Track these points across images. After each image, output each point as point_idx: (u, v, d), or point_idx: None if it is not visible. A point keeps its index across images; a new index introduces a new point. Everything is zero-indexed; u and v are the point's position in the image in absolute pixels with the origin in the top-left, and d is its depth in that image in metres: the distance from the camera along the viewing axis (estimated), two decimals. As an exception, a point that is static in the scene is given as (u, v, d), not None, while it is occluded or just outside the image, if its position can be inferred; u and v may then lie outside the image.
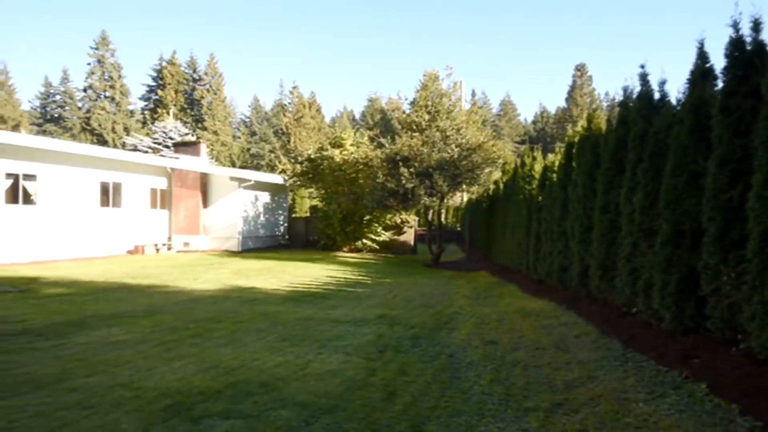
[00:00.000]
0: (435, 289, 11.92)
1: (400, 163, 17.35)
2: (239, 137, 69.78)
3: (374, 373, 4.93)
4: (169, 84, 61.07)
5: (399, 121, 19.29)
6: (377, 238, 23.40)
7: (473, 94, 78.55)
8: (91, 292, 10.17)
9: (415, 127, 18.42)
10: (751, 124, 4.47)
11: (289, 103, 64.55)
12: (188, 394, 4.24)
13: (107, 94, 59.58)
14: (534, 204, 11.29)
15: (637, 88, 6.71)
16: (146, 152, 36.28)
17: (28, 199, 16.15)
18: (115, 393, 4.23)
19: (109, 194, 19.16)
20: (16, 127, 50.60)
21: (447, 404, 4.09)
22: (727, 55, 4.82)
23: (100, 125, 57.72)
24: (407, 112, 19.64)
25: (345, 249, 23.43)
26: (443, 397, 4.25)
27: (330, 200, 23.22)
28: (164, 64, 62.43)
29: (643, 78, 6.63)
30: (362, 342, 6.24)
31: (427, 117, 18.40)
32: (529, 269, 11.56)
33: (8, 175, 15.42)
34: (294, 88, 63.90)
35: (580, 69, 74.00)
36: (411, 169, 17.15)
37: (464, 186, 19.32)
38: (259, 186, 24.45)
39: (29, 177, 16.11)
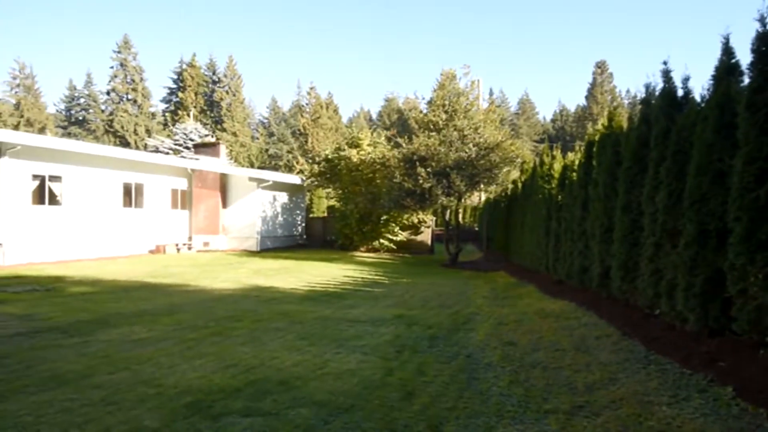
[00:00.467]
0: (452, 289, 11.87)
1: (417, 163, 17.32)
2: (258, 138, 70.48)
3: (392, 373, 4.93)
4: (190, 86, 62.05)
5: (416, 121, 19.28)
6: (394, 238, 23.41)
7: (491, 93, 78.10)
8: (114, 290, 10.40)
9: (432, 127, 18.39)
10: (779, 121, 4.34)
11: (307, 104, 64.94)
12: (208, 391, 4.30)
13: (129, 96, 60.89)
14: (553, 203, 11.16)
15: (660, 85, 6.58)
16: (167, 153, 36.93)
17: (53, 200, 16.56)
18: (137, 390, 4.32)
19: (131, 195, 19.55)
20: (42, 130, 52.08)
21: (465, 405, 4.07)
22: (753, 51, 4.68)
23: (122, 127, 59.02)
24: (424, 111, 19.62)
25: (362, 249, 23.50)
26: (461, 398, 4.23)
27: (347, 200, 23.30)
28: (184, 66, 63.46)
29: (666, 75, 6.49)
30: (380, 342, 6.25)
31: (444, 116, 18.35)
32: (549, 270, 11.43)
33: (35, 177, 15.84)
34: (311, 88, 64.28)
35: (601, 66, 72.79)
36: (428, 169, 17.11)
37: (482, 185, 19.22)
38: (277, 186, 24.67)
39: (55, 178, 16.52)
